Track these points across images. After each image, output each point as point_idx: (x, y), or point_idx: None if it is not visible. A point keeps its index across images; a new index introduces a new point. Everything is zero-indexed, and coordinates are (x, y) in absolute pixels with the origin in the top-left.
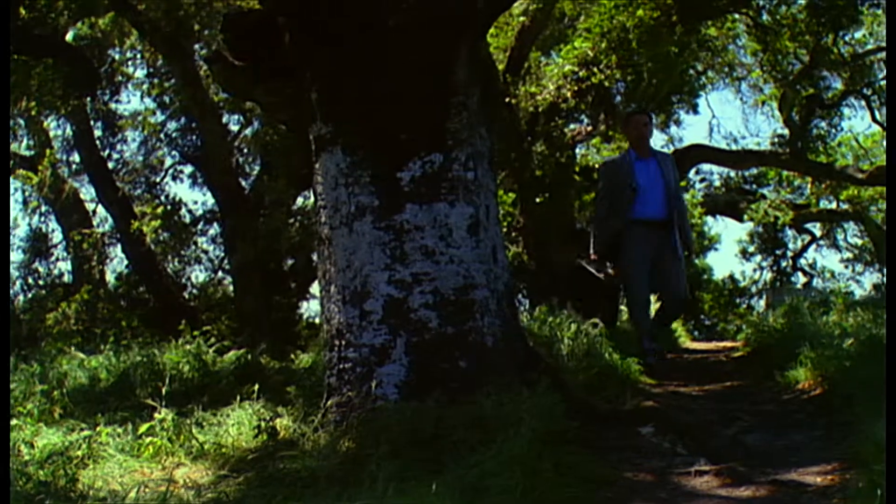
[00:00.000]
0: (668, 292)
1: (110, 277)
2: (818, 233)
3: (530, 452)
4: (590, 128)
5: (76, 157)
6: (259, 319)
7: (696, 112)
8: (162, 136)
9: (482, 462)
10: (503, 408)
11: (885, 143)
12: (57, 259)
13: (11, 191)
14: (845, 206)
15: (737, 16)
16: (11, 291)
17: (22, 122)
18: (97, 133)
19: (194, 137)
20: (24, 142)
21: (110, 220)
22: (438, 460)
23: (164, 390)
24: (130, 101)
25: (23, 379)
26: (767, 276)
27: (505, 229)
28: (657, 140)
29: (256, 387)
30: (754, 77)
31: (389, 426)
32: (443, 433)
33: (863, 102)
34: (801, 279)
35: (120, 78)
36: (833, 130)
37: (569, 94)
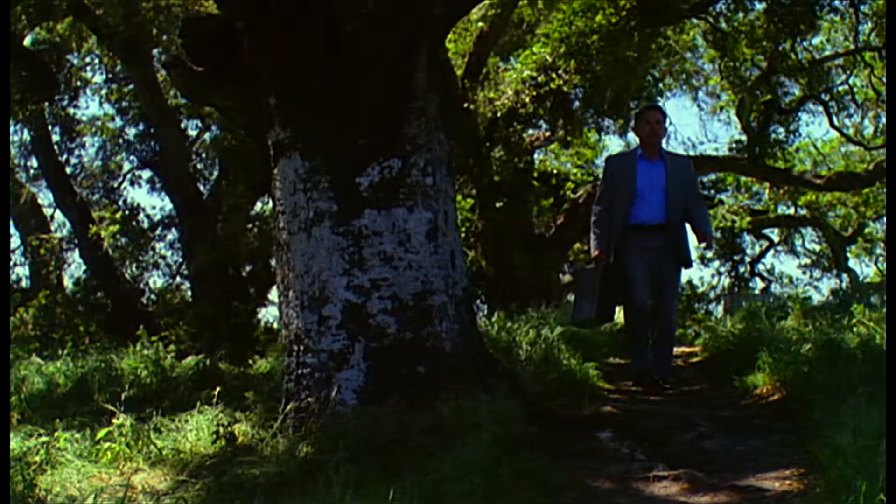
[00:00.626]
0: (657, 308)
1: (68, 283)
2: (776, 238)
3: (489, 458)
4: (548, 133)
5: (34, 162)
6: (217, 324)
7: None
8: (120, 141)
9: (440, 468)
10: (461, 413)
11: (885, 144)
12: (14, 264)
13: None
14: (803, 212)
15: (695, 21)
16: None
17: None
18: (55, 138)
19: (153, 143)
20: None
21: (68, 225)
22: (396, 466)
23: (122, 396)
24: (89, 107)
25: None
26: (725, 281)
27: (463, 235)
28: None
29: (215, 392)
30: (712, 84)
31: (348, 431)
32: (401, 439)
33: (821, 108)
34: (759, 284)
35: (78, 83)
36: (791, 136)
37: (527, 100)
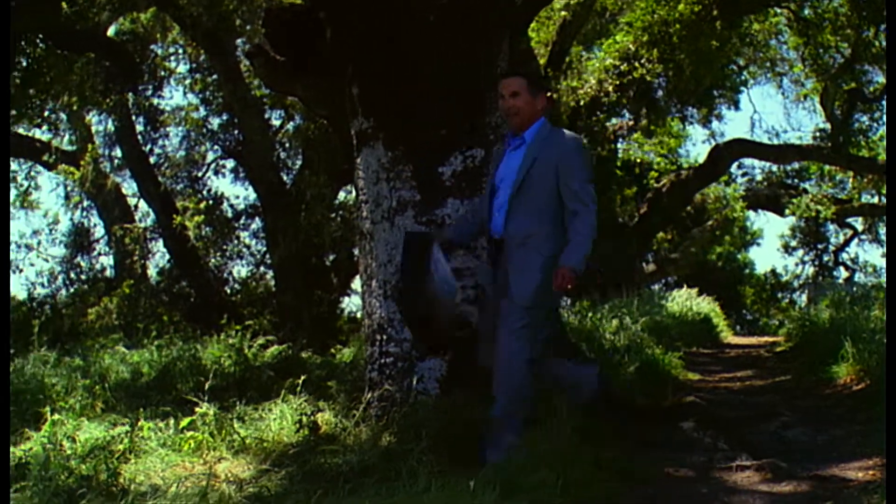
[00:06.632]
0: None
1: (152, 272)
2: (860, 227)
3: (569, 448)
4: (631, 122)
5: (118, 152)
6: (300, 314)
7: (737, 107)
8: (204, 130)
9: (522, 457)
10: (543, 402)
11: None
12: (99, 254)
13: (53, 185)
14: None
15: (778, 10)
16: (53, 286)
17: (64, 116)
18: (139, 128)
19: (236, 132)
20: (66, 137)
21: (152, 214)
22: (478, 455)
23: (205, 385)
24: (173, 97)
25: (65, 374)
26: (809, 270)
27: None
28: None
29: (298, 381)
30: (796, 72)
31: (429, 421)
32: (482, 428)
33: None
34: (843, 274)
35: (162, 73)
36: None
37: (610, 89)
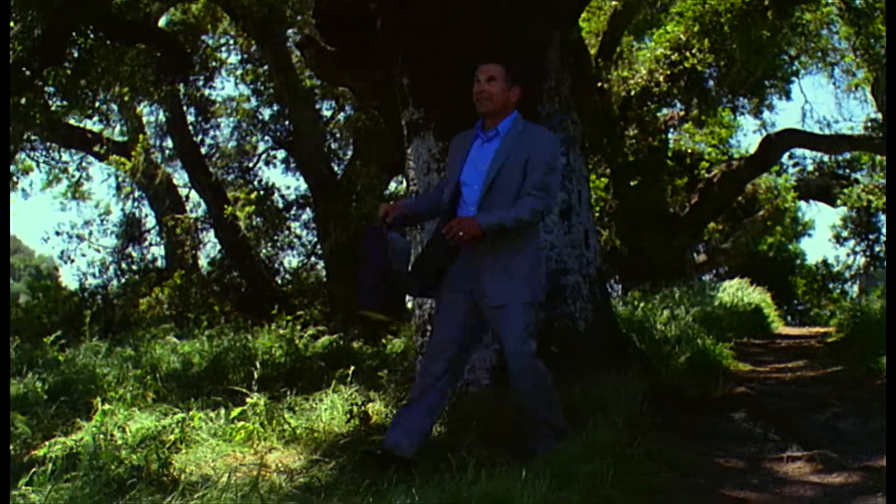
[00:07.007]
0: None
1: (203, 262)
2: None
3: (620, 438)
4: (682, 112)
5: (169, 143)
6: (351, 304)
7: (788, 97)
8: (255, 121)
9: (571, 448)
10: (593, 393)
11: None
12: (150, 244)
13: (104, 176)
14: None
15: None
16: (105, 276)
17: (115, 107)
18: (190, 118)
19: (287, 123)
20: (118, 127)
21: (203, 205)
22: (528, 446)
23: (256, 375)
24: (224, 87)
25: (116, 364)
26: (861, 260)
27: (597, 214)
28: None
29: (349, 371)
30: (847, 62)
31: (480, 411)
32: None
33: None
34: None
35: (213, 63)
36: None
37: (661, 79)
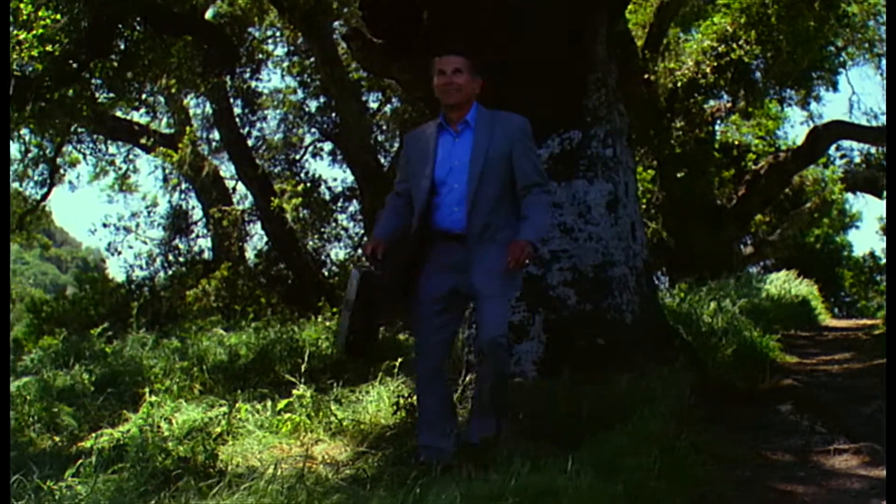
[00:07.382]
0: (479, 334)
1: (250, 254)
2: None
3: (666, 431)
4: (729, 104)
5: (216, 135)
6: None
7: (835, 89)
8: (301, 113)
9: (617, 440)
10: (639, 385)
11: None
12: (197, 236)
13: (151, 168)
14: None
15: None
16: (152, 268)
17: (162, 99)
18: (237, 111)
19: (333, 115)
20: (164, 120)
21: (250, 197)
22: (574, 437)
23: (302, 367)
24: (270, 79)
25: (163, 356)
26: None
27: (644, 206)
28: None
29: (395, 364)
30: None
31: (525, 403)
32: (578, 410)
33: None
34: None
35: (259, 56)
36: None
37: (708, 70)
